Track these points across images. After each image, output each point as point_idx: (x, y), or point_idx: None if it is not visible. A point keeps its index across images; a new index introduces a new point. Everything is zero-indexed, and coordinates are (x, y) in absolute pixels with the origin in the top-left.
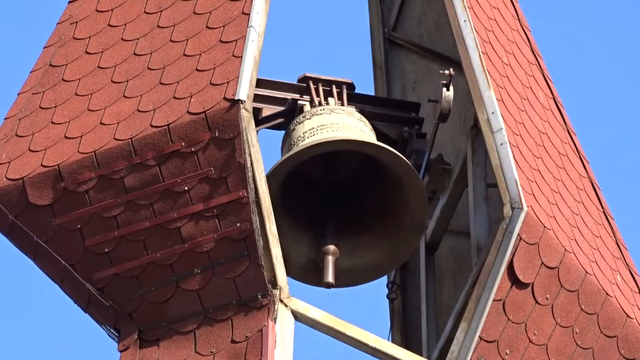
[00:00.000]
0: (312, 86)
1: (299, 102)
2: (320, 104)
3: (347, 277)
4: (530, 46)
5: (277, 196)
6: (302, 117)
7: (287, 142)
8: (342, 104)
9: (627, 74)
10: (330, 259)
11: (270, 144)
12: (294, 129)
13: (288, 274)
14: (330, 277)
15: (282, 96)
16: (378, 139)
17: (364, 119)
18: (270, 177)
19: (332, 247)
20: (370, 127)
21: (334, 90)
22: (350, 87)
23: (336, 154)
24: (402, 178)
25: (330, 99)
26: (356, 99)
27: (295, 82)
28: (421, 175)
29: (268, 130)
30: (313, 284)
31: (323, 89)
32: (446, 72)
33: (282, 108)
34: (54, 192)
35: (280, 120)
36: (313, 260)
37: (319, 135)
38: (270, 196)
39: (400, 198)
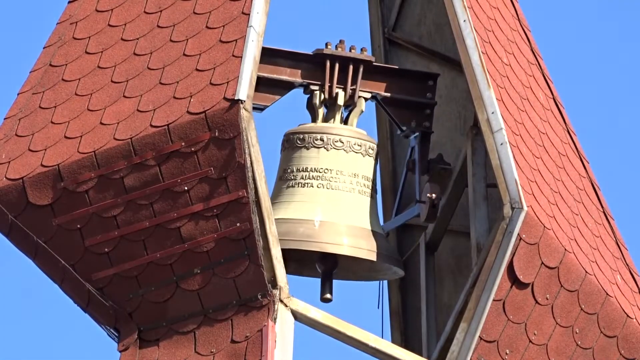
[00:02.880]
0: (327, 67)
1: (311, 86)
2: (330, 95)
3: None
4: (530, 46)
5: None
6: (301, 139)
7: (283, 161)
8: (352, 95)
9: (627, 74)
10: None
11: (270, 144)
12: (292, 150)
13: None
14: (328, 294)
15: (291, 78)
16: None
17: (364, 141)
18: None
19: (327, 294)
20: (368, 145)
21: (350, 71)
22: (369, 64)
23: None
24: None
25: (340, 93)
26: (375, 71)
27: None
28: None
29: (268, 130)
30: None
31: (338, 72)
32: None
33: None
34: (53, 192)
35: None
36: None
37: (307, 202)
38: None
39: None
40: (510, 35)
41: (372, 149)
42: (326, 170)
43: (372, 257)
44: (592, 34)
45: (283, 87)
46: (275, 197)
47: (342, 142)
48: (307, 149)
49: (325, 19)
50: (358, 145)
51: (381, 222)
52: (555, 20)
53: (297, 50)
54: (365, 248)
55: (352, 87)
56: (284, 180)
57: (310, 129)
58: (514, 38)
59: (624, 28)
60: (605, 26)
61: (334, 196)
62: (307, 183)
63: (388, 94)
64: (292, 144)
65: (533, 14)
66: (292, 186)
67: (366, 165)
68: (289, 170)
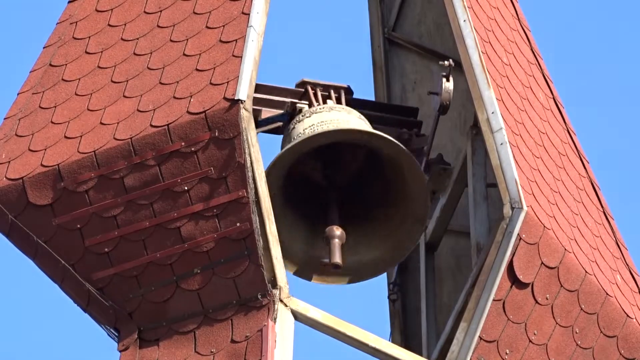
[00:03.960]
0: (310, 91)
1: (298, 105)
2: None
3: (348, 275)
4: (530, 46)
5: (278, 193)
6: (302, 115)
7: (286, 140)
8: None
9: (627, 73)
10: (336, 242)
11: (270, 144)
12: (294, 128)
13: (289, 271)
14: (337, 258)
15: (281, 100)
16: None
17: (363, 117)
18: (270, 171)
19: (337, 231)
20: (369, 126)
21: (332, 94)
22: (348, 91)
23: (337, 152)
24: (403, 170)
25: (329, 101)
26: (354, 104)
27: (293, 87)
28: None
29: (267, 131)
30: (314, 280)
31: (322, 94)
32: (446, 63)
33: (281, 111)
34: (53, 192)
35: (279, 124)
36: (314, 257)
37: (319, 129)
38: (270, 192)
39: (402, 192)
40: (510, 35)
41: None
42: (333, 120)
43: (386, 136)
44: (592, 33)
45: (275, 107)
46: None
47: (343, 108)
48: (309, 117)
49: (325, 19)
50: (358, 117)
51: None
52: (555, 20)
53: (282, 86)
54: (379, 133)
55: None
56: (292, 139)
57: (308, 110)
58: (514, 38)
59: (624, 28)
60: (606, 26)
61: (346, 124)
62: (317, 129)
63: (374, 114)
64: (295, 122)
65: (533, 14)
66: (303, 136)
67: (370, 126)
68: (296, 134)
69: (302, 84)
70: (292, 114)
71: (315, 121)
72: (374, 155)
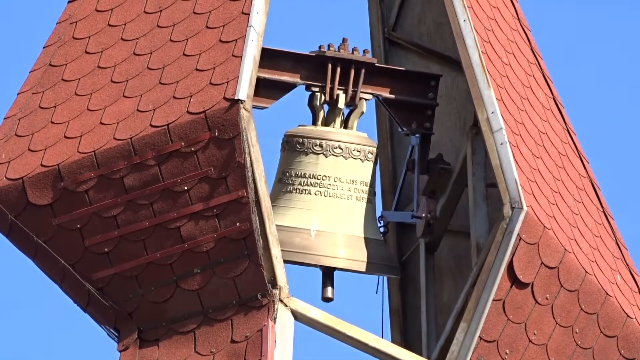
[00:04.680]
0: (329, 69)
1: (312, 87)
2: (331, 96)
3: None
4: (530, 46)
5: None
6: (300, 143)
7: (282, 163)
8: (354, 96)
9: (628, 73)
10: (328, 282)
11: (270, 144)
12: (291, 153)
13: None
14: (329, 293)
15: (292, 79)
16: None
17: (363, 145)
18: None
19: (328, 292)
20: (369, 149)
21: (352, 73)
22: (370, 67)
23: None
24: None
25: (341, 95)
26: (373, 82)
27: (311, 53)
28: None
29: (268, 130)
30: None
31: (340, 75)
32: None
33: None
34: (53, 192)
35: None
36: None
37: (305, 210)
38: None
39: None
40: (510, 35)
41: (372, 153)
42: (324, 177)
43: (369, 268)
44: (592, 33)
45: (283, 89)
46: (273, 200)
47: (341, 149)
48: (306, 154)
49: (325, 18)
50: (357, 150)
51: (380, 229)
52: (555, 20)
53: (298, 51)
54: (361, 260)
55: (353, 89)
56: (283, 183)
57: (310, 133)
58: (514, 38)
59: (624, 27)
60: (605, 25)
61: (331, 204)
62: (305, 189)
63: (390, 95)
64: (292, 146)
65: (533, 14)
66: (290, 191)
67: (365, 171)
68: (287, 174)
69: (321, 56)
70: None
71: (307, 170)
72: None
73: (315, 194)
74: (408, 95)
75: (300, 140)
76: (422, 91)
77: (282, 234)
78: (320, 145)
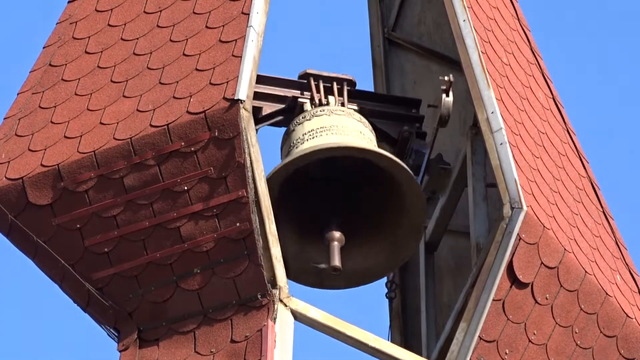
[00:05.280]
0: (312, 83)
1: (299, 99)
2: (320, 102)
3: (345, 280)
4: (530, 46)
5: (277, 200)
6: (302, 117)
7: (286, 143)
8: (343, 103)
9: (627, 73)
10: (335, 245)
11: (270, 143)
12: (294, 130)
13: (288, 277)
14: (336, 261)
15: (283, 94)
16: (378, 138)
17: (364, 119)
18: (269, 181)
19: (337, 234)
20: (370, 127)
21: (335, 87)
22: (351, 83)
23: (336, 158)
24: (400, 182)
25: (330, 98)
26: (357, 96)
27: (296, 78)
28: (420, 176)
29: (268, 130)
30: (314, 286)
31: (324, 86)
32: (446, 78)
33: (282, 106)
34: (53, 192)
35: (280, 117)
36: (313, 261)
37: (318, 139)
38: (270, 199)
39: (399, 202)
40: (510, 35)
41: (372, 133)
42: (332, 126)
43: (383, 154)
44: (592, 32)
45: (277, 102)
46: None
47: (343, 111)
48: (310, 120)
49: (325, 18)
50: (359, 121)
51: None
52: (554, 20)
53: (282, 77)
54: (375, 149)
55: (340, 100)
56: (292, 147)
57: (312, 110)
58: (513, 38)
59: (624, 27)
60: (605, 25)
61: (344, 139)
62: (316, 136)
63: (375, 108)
64: (295, 126)
65: (533, 14)
66: (301, 144)
67: (369, 133)
68: (295, 140)
69: (305, 75)
70: (293, 107)
71: (315, 126)
72: (372, 165)
73: (327, 135)
74: (391, 117)
75: (302, 114)
76: (404, 117)
77: (297, 150)
78: (322, 110)
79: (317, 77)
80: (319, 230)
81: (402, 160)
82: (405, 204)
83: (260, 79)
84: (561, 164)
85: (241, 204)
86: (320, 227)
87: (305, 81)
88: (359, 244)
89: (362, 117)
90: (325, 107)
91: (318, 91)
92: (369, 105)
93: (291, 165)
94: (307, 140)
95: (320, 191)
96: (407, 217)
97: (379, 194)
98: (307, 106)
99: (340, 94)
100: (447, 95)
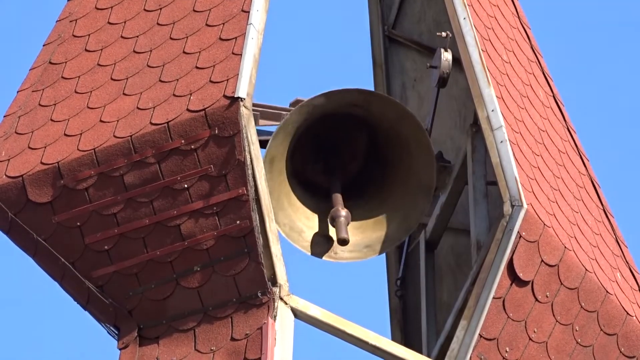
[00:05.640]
0: None
1: None
2: None
3: (358, 251)
4: (530, 44)
5: (286, 161)
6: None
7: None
8: None
9: (628, 71)
10: (342, 220)
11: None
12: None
13: (300, 245)
14: (344, 233)
15: (277, 112)
16: None
17: None
18: (279, 135)
19: (343, 211)
20: None
21: None
22: None
23: (342, 120)
24: (407, 139)
25: None
26: None
27: (287, 106)
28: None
29: (267, 129)
30: (323, 256)
31: None
32: (443, 34)
33: (278, 123)
34: (53, 190)
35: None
36: (323, 234)
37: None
38: (281, 157)
39: (407, 158)
40: (510, 33)
41: None
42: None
43: (386, 95)
44: (592, 31)
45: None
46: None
47: None
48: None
49: (325, 16)
50: None
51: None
52: (555, 18)
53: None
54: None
55: None
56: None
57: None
58: (513, 36)
59: (624, 26)
60: (606, 24)
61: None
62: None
63: None
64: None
65: (533, 12)
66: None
67: None
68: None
69: (296, 103)
70: None
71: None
72: (375, 132)
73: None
74: None
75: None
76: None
77: None
78: None
79: None
80: (327, 203)
81: None
82: (414, 163)
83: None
84: (561, 162)
85: (241, 201)
86: (325, 197)
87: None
88: (369, 212)
89: None
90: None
91: None
92: None
93: (300, 116)
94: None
95: (322, 154)
96: (416, 176)
97: (385, 162)
98: None
99: None
100: (446, 51)
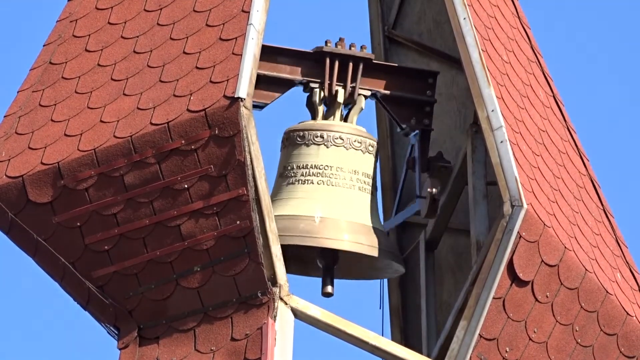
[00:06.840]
0: (327, 64)
1: (311, 84)
2: (330, 92)
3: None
4: (530, 44)
5: None
6: (301, 136)
7: (283, 158)
8: (353, 94)
9: (628, 71)
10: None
11: (270, 142)
12: (292, 147)
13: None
14: (329, 288)
15: (289, 77)
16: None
17: (364, 137)
18: None
19: (328, 288)
20: (370, 142)
21: (350, 67)
22: (368, 62)
23: None
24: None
25: (339, 90)
26: (372, 73)
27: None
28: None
29: (268, 128)
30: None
31: (339, 64)
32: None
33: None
34: (53, 190)
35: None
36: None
37: (304, 197)
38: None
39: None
40: (510, 33)
41: (372, 147)
42: (326, 167)
43: (373, 252)
44: (592, 31)
45: (283, 85)
46: (275, 195)
47: (342, 139)
48: (307, 145)
49: (325, 16)
50: (358, 142)
51: (381, 221)
52: (555, 18)
53: (297, 48)
54: (365, 244)
55: (351, 85)
56: (284, 177)
57: (310, 127)
58: (513, 36)
59: (624, 26)
60: (606, 24)
61: (334, 192)
62: (307, 180)
63: (388, 92)
64: (292, 141)
65: (533, 12)
66: (292, 183)
67: (366, 162)
68: (289, 168)
69: (319, 53)
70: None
71: (309, 162)
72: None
73: (318, 184)
74: (406, 92)
75: (301, 133)
76: (420, 88)
77: (286, 222)
78: (321, 137)
79: (332, 56)
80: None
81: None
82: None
83: (269, 50)
84: (562, 162)
85: (241, 202)
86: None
87: (317, 60)
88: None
89: (362, 137)
90: (325, 132)
91: (331, 77)
92: (381, 90)
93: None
94: (299, 181)
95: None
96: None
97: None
98: (315, 96)
99: (354, 78)
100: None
